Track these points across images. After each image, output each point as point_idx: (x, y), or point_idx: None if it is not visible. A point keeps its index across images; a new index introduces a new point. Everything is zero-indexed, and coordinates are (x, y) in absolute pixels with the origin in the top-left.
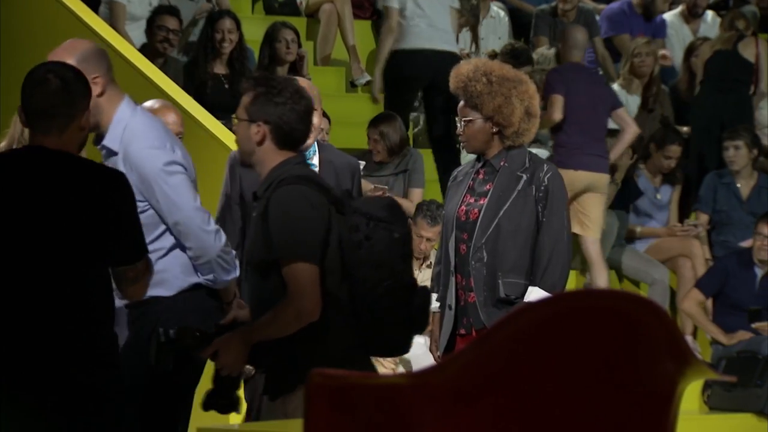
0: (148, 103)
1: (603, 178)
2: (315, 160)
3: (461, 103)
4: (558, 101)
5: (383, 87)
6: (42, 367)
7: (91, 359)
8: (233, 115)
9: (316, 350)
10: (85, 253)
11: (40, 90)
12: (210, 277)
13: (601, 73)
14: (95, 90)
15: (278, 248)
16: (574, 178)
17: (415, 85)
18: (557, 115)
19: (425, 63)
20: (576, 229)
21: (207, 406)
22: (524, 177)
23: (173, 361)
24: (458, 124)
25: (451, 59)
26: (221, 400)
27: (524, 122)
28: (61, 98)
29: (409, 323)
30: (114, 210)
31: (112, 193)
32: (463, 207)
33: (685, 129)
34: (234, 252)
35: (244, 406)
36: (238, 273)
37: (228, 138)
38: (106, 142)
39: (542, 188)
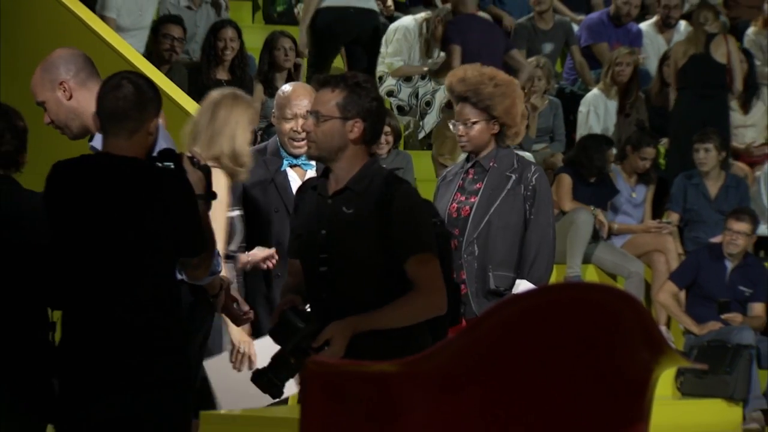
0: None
1: None
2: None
3: (464, 105)
4: (456, 51)
5: (309, 43)
6: (123, 353)
7: (162, 344)
8: (308, 111)
9: (411, 344)
10: (154, 250)
11: (113, 94)
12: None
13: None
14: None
15: (408, 244)
16: None
17: (339, 40)
18: (456, 63)
19: (348, 20)
20: None
21: (258, 380)
22: (513, 177)
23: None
24: (455, 127)
25: (370, 16)
26: (275, 380)
27: (523, 122)
28: (132, 103)
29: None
30: (176, 209)
31: (173, 194)
32: (455, 204)
33: (664, 140)
34: (217, 250)
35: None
36: (220, 270)
37: None
38: (93, 143)
39: (530, 188)
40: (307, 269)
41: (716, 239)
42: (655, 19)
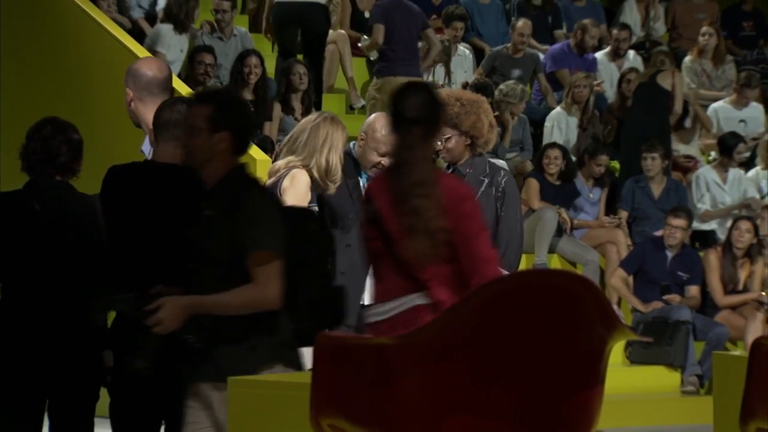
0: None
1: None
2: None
3: None
4: (379, 29)
5: (271, 33)
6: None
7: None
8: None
9: (266, 337)
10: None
11: (169, 108)
12: None
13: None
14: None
15: (249, 242)
16: (392, 81)
17: (291, 29)
18: (380, 39)
19: (296, 12)
20: None
21: (126, 367)
22: (486, 180)
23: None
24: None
25: (317, 8)
26: (142, 362)
27: (490, 132)
28: (183, 117)
29: (335, 320)
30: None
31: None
32: None
33: None
34: None
35: None
36: None
37: (252, 149)
38: (144, 147)
39: (500, 189)
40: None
41: (658, 233)
42: (607, 49)
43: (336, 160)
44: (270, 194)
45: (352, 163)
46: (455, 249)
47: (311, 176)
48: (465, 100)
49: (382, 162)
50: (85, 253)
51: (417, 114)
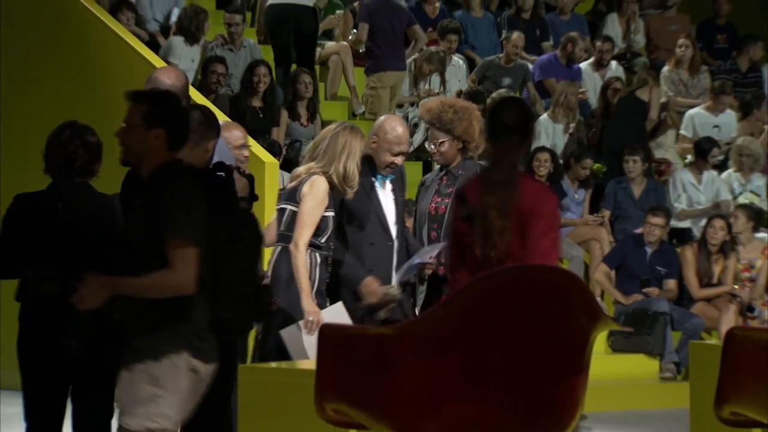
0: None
1: (402, 75)
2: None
3: (433, 130)
4: (364, 27)
5: (265, 34)
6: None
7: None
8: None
9: (182, 322)
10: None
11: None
12: None
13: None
14: None
15: (167, 230)
16: (383, 76)
17: (284, 30)
18: (363, 36)
19: (288, 13)
20: None
21: (58, 346)
22: None
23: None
24: (430, 146)
25: (306, 11)
26: (71, 341)
27: (481, 137)
28: (198, 123)
29: (256, 313)
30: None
31: (223, 193)
32: (433, 204)
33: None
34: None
35: None
36: None
37: (261, 152)
38: None
39: None
40: None
41: (639, 230)
42: (591, 60)
43: (353, 167)
44: (195, 187)
45: (368, 165)
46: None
47: (330, 182)
48: (458, 107)
49: (395, 161)
50: (104, 249)
51: (516, 122)
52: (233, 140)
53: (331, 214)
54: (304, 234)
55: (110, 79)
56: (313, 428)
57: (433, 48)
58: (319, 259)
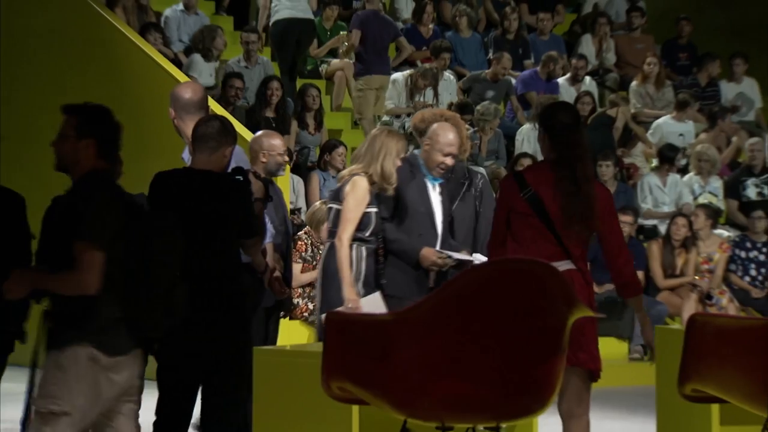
0: (260, 132)
1: (386, 79)
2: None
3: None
4: (357, 34)
5: (268, 44)
6: (209, 294)
7: (231, 288)
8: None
9: (86, 319)
10: (225, 232)
11: (205, 124)
12: None
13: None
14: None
15: (76, 233)
16: (370, 79)
17: (288, 40)
18: (356, 41)
19: (292, 27)
20: None
21: (3, 334)
22: (465, 183)
23: None
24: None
25: (308, 24)
26: (12, 328)
27: (467, 143)
28: (216, 131)
29: (169, 312)
30: (239, 206)
31: (235, 195)
32: None
33: None
34: (270, 230)
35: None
36: (270, 241)
37: None
38: (184, 154)
39: (478, 191)
40: None
41: None
42: (568, 75)
43: (390, 167)
44: (112, 196)
45: (422, 169)
46: (600, 235)
47: (371, 180)
48: (447, 116)
49: (446, 161)
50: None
51: (577, 121)
52: (275, 148)
53: (373, 210)
54: (347, 229)
55: (140, 92)
56: (320, 404)
57: (427, 65)
58: (365, 253)
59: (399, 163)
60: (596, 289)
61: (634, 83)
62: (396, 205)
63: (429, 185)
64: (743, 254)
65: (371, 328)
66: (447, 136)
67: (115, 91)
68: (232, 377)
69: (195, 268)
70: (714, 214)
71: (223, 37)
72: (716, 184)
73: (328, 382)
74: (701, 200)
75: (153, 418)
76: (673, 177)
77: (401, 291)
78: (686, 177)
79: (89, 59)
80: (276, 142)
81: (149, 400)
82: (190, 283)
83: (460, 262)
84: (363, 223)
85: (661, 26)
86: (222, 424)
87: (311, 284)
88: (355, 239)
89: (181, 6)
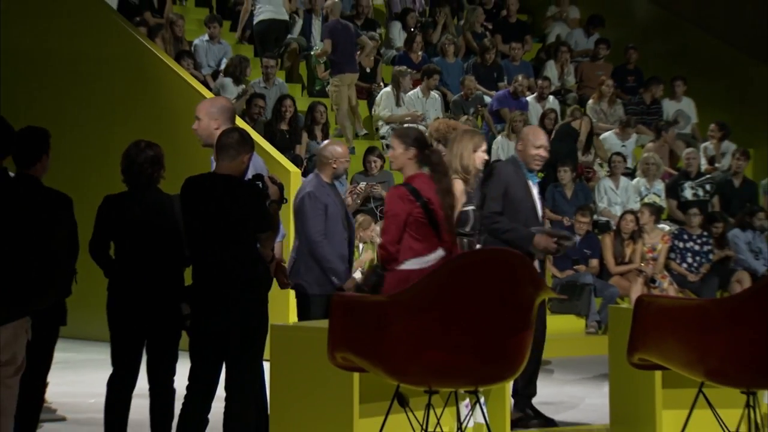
0: (327, 141)
1: (355, 76)
2: None
3: (438, 144)
4: (328, 43)
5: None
6: (228, 284)
7: (249, 277)
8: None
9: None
10: (244, 227)
11: (227, 135)
12: None
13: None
14: (213, 125)
15: None
16: (343, 77)
17: (269, 38)
18: (328, 49)
19: (273, 26)
20: None
21: None
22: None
23: None
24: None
25: (284, 23)
26: None
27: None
28: (236, 141)
29: (51, 283)
30: (255, 206)
31: (254, 198)
32: None
33: None
34: (282, 231)
35: None
36: (284, 233)
37: (288, 164)
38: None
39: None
40: None
41: (569, 223)
42: (535, 94)
43: (468, 159)
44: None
45: (526, 170)
46: None
47: (465, 180)
48: (455, 126)
49: (539, 153)
50: (171, 236)
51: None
52: (343, 155)
53: (470, 208)
54: None
55: (175, 110)
56: (326, 371)
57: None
58: (467, 246)
59: (483, 155)
60: (558, 274)
61: (590, 102)
62: (504, 201)
63: (531, 183)
64: (681, 245)
65: (370, 308)
66: (536, 134)
67: (156, 109)
68: (251, 348)
69: (218, 257)
70: (657, 211)
71: (250, 66)
72: (659, 186)
73: (333, 353)
74: (647, 200)
75: (186, 383)
76: (625, 180)
77: None
78: (635, 180)
79: (134, 83)
80: (342, 151)
81: (184, 368)
82: (213, 270)
83: (566, 245)
84: (462, 219)
85: (613, 54)
86: (243, 390)
87: None
88: (457, 234)
89: (206, 36)
